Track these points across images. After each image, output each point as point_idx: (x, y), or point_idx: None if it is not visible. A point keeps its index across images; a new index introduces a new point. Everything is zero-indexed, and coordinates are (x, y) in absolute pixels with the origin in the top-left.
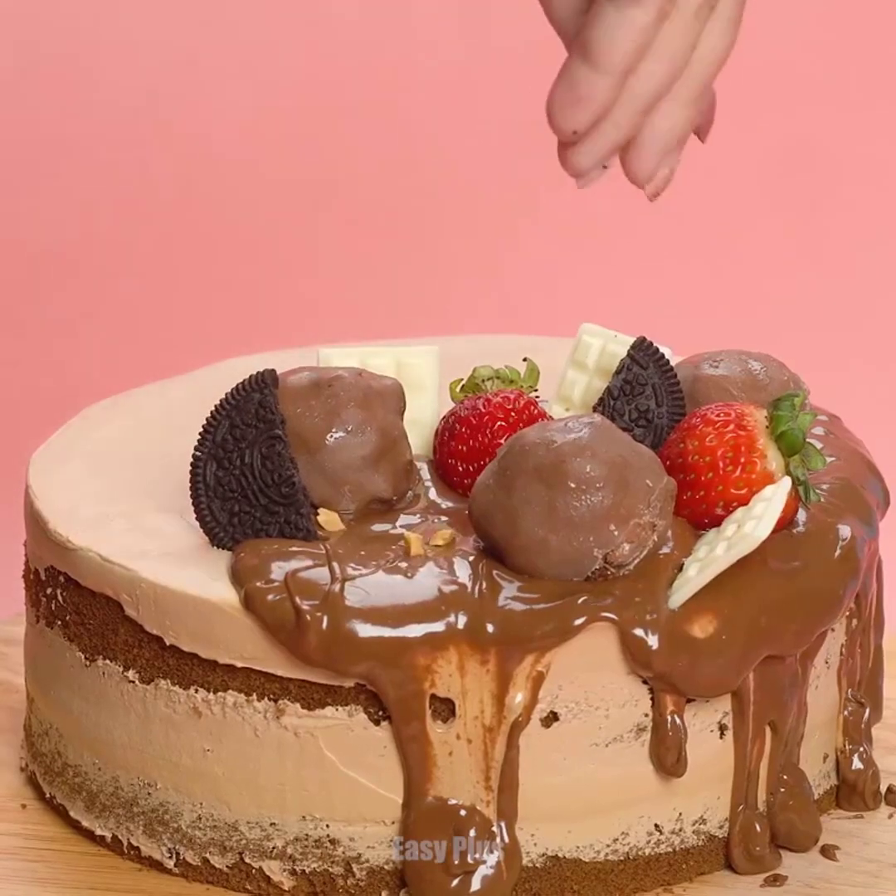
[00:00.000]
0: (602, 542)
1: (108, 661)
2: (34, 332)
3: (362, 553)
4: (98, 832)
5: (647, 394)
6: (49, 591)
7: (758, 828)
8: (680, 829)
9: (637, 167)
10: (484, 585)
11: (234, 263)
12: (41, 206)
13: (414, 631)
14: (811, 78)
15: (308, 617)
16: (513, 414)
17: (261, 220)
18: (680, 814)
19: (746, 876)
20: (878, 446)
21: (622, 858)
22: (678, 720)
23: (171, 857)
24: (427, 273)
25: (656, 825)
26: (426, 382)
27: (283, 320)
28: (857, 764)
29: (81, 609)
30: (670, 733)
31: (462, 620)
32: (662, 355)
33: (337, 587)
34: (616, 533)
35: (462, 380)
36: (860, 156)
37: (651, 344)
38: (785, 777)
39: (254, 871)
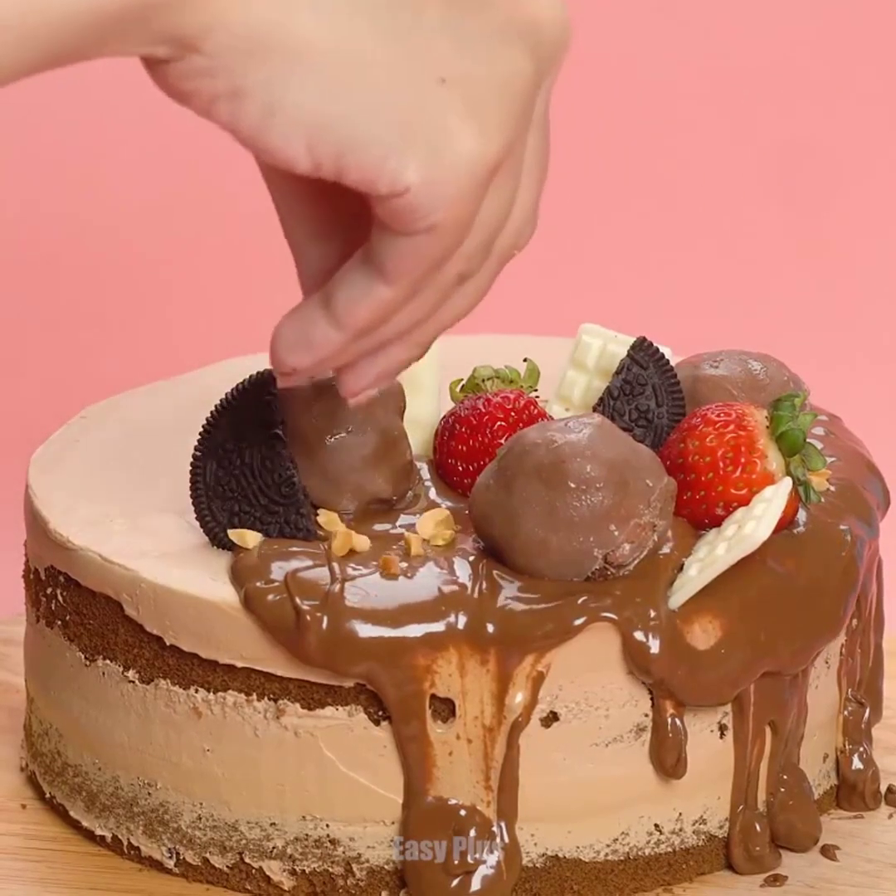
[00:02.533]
0: (602, 542)
1: (108, 661)
2: (34, 331)
3: (363, 552)
4: (98, 832)
5: (647, 394)
6: (49, 590)
7: (758, 828)
8: (680, 829)
9: (350, 386)
10: (484, 585)
11: (234, 263)
12: (41, 205)
13: (414, 631)
14: (811, 78)
15: (308, 617)
16: (513, 414)
17: (262, 220)
18: (680, 814)
19: (746, 876)
20: (879, 446)
21: (622, 858)
22: (678, 722)
23: (171, 857)
24: None
25: (656, 825)
26: (426, 382)
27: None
28: (857, 764)
29: (81, 609)
30: (670, 735)
31: (462, 620)
32: (662, 355)
33: (337, 587)
34: (616, 533)
35: (462, 380)
36: (860, 155)
37: (651, 344)
38: (785, 777)
39: (254, 870)
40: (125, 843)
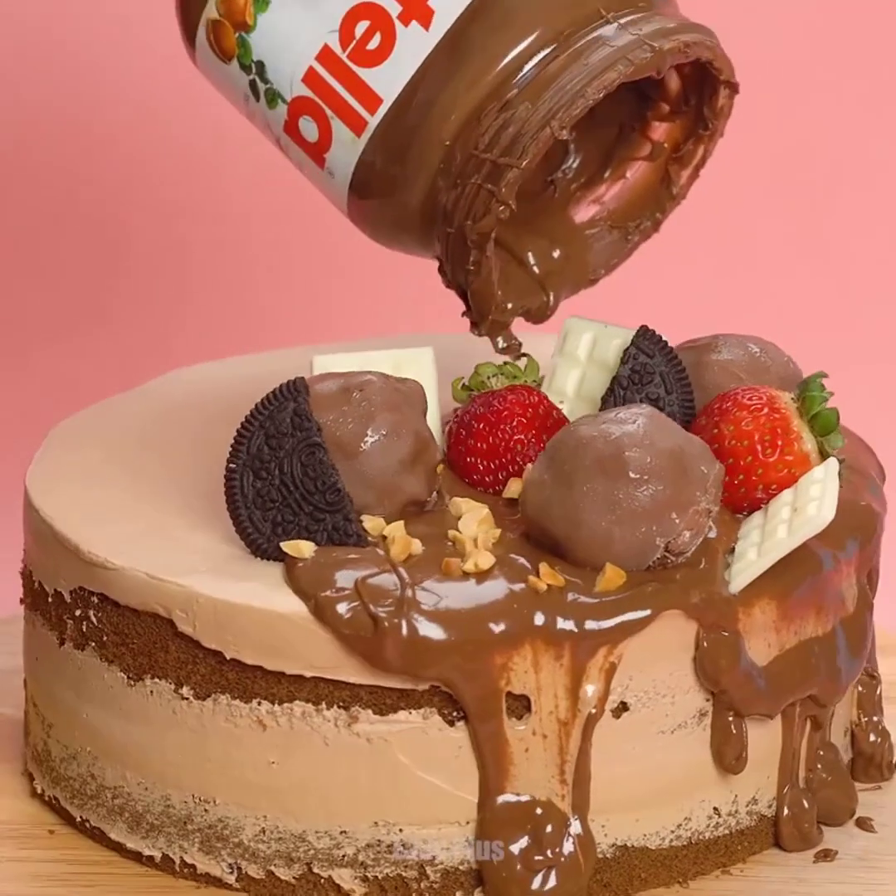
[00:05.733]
0: (664, 531)
1: (157, 680)
2: (33, 334)
3: (417, 555)
4: (146, 852)
5: (655, 382)
6: (78, 612)
7: (806, 804)
8: (735, 811)
9: None
10: (551, 581)
11: (228, 263)
12: (41, 205)
13: (489, 631)
14: (813, 75)
15: (386, 623)
16: (530, 410)
17: (260, 220)
18: (736, 796)
19: (794, 853)
20: (879, 447)
21: (685, 844)
22: (744, 725)
23: (231, 873)
24: (418, 271)
25: (715, 808)
26: (426, 384)
27: (281, 319)
28: (873, 736)
29: (122, 629)
30: (733, 733)
31: (536, 617)
32: (667, 343)
33: (410, 592)
34: (677, 521)
35: (462, 378)
36: (860, 155)
37: (655, 332)
38: (822, 753)
39: (323, 880)
40: (178, 861)
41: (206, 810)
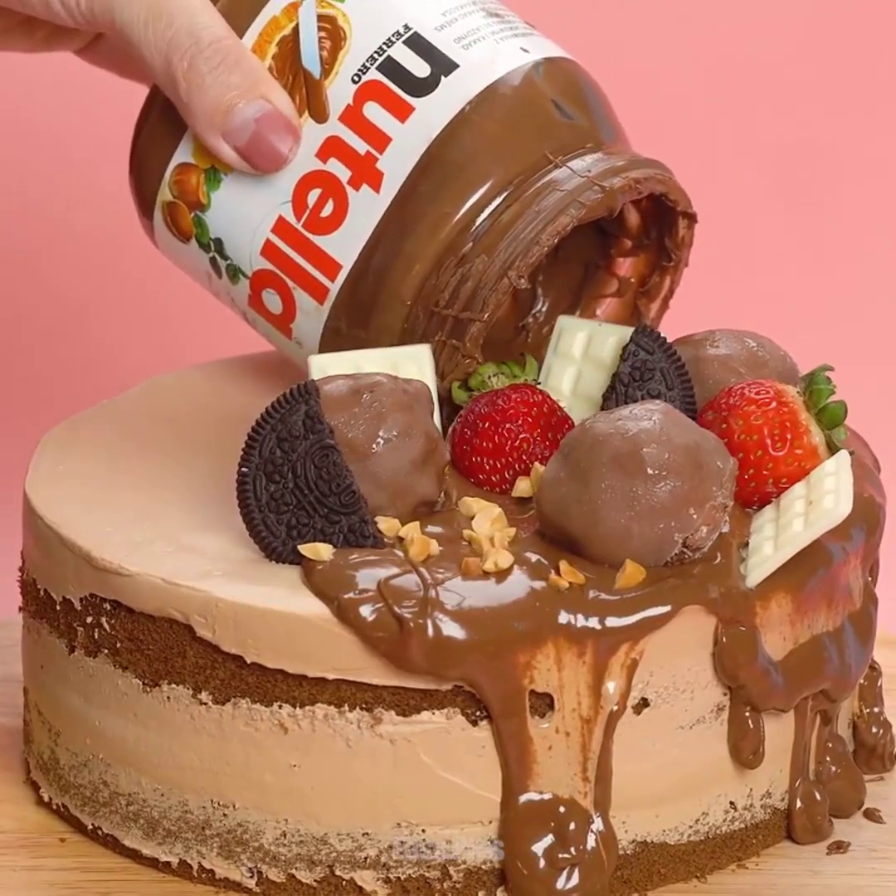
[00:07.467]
0: (682, 526)
1: (174, 685)
2: (29, 341)
3: (435, 556)
4: (162, 859)
5: (656, 379)
6: (89, 619)
7: (818, 796)
8: (750, 805)
9: None
10: (571, 579)
11: None
12: (41, 207)
13: (513, 630)
14: (813, 74)
15: (411, 624)
16: (535, 408)
17: None
18: (751, 789)
19: (807, 845)
20: (879, 446)
21: (703, 838)
22: (761, 720)
23: (251, 877)
24: None
25: (732, 803)
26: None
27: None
28: (875, 728)
29: (136, 635)
30: (751, 727)
31: (558, 615)
32: (665, 339)
33: (433, 592)
34: (695, 516)
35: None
36: (860, 154)
37: (653, 329)
38: (830, 745)
39: (344, 882)
40: (195, 866)
41: (224, 815)
